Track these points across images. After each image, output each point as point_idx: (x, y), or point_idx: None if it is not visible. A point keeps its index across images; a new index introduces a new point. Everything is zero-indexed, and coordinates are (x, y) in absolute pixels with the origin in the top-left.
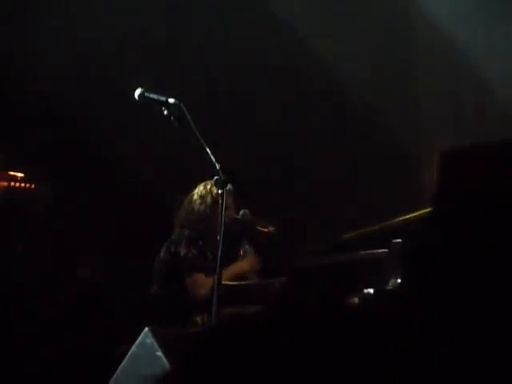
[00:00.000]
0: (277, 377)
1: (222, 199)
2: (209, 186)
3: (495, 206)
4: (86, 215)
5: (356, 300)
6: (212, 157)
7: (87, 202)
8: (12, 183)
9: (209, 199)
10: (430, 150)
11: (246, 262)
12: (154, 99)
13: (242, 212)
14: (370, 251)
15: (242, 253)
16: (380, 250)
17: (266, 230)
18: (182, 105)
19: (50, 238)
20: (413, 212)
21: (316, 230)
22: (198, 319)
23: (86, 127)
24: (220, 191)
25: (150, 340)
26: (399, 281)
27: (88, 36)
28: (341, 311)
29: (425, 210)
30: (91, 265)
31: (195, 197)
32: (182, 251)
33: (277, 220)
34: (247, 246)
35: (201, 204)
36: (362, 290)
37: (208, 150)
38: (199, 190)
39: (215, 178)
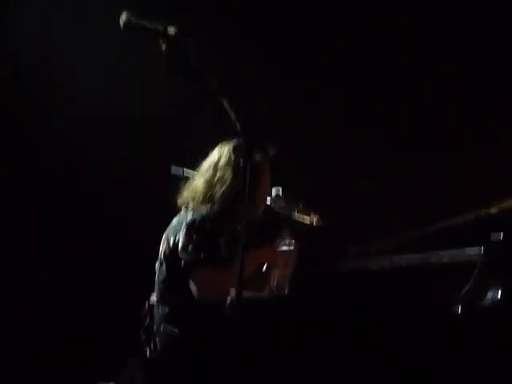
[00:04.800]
0: None
1: (245, 173)
2: (226, 150)
3: None
4: None
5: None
6: (231, 112)
7: None
8: None
9: (228, 170)
10: None
11: (260, 254)
12: (146, 28)
13: (273, 193)
14: (454, 250)
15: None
16: (470, 249)
17: (307, 219)
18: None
19: None
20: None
21: (378, 223)
22: None
23: None
24: (242, 161)
25: None
26: (500, 294)
27: None
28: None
29: None
30: None
31: (207, 166)
32: (182, 240)
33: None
34: (287, 240)
35: (214, 176)
36: (445, 309)
37: (226, 102)
38: (213, 157)
39: (234, 142)
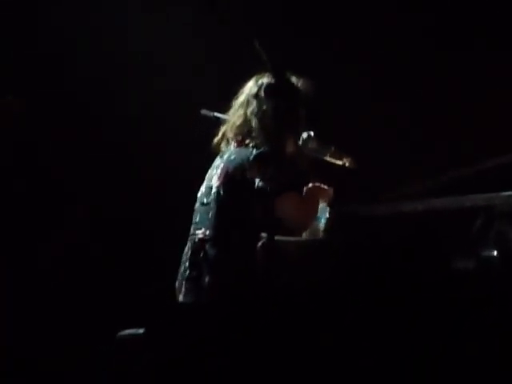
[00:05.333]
0: None
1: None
2: (265, 80)
3: None
4: None
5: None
6: (263, 52)
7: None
8: None
9: (272, 101)
10: None
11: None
12: None
13: (304, 136)
14: (488, 194)
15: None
16: (506, 193)
17: (339, 162)
18: None
19: None
20: None
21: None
22: None
23: None
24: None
25: None
26: None
27: None
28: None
29: None
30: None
31: (244, 98)
32: (256, 175)
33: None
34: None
35: (262, 108)
36: (479, 252)
37: (257, 42)
38: (250, 89)
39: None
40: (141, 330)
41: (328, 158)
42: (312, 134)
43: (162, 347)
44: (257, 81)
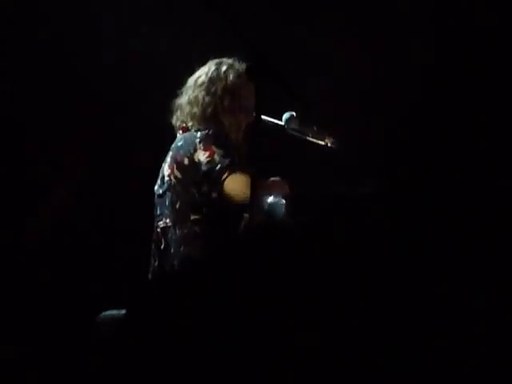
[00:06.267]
0: None
1: (261, 96)
2: (224, 67)
3: None
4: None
5: None
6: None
7: None
8: None
9: (220, 85)
10: None
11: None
12: None
13: (286, 115)
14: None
15: None
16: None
17: (322, 142)
18: None
19: None
20: None
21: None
22: None
23: None
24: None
25: None
26: None
27: None
28: None
29: None
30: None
31: (202, 79)
32: (202, 157)
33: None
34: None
35: (211, 91)
36: None
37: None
38: (209, 70)
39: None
40: (123, 311)
41: (310, 139)
42: (294, 114)
43: (144, 328)
44: (217, 65)
